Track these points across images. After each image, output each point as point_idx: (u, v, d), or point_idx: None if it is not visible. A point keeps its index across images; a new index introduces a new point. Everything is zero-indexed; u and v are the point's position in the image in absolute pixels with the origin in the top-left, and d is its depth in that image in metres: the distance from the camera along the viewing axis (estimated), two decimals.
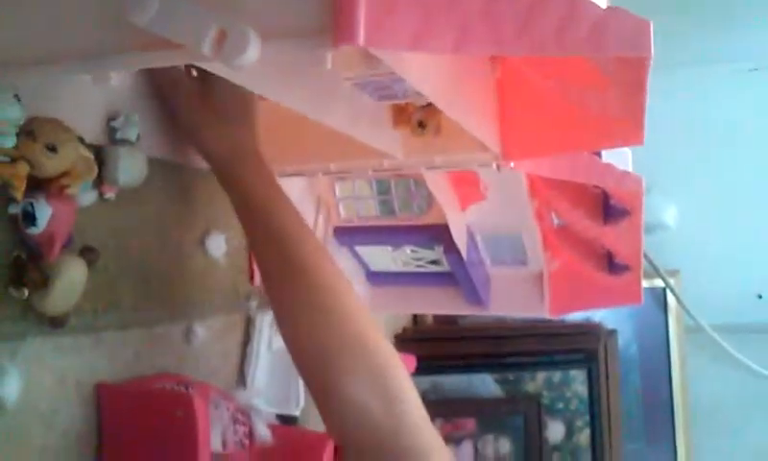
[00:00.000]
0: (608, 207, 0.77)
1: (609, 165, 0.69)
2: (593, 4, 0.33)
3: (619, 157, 0.76)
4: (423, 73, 0.45)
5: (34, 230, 0.44)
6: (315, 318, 0.55)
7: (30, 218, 0.44)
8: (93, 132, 0.51)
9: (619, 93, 0.43)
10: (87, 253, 0.49)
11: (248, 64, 0.32)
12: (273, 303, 0.59)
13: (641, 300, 0.89)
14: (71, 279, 0.47)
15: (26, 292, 0.45)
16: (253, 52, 0.32)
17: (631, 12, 0.32)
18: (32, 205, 0.44)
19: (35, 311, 0.47)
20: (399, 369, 0.57)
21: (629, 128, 0.49)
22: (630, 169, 0.75)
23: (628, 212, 0.75)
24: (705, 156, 1.42)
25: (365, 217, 0.91)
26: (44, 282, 0.46)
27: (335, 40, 0.31)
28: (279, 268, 0.57)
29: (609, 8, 0.32)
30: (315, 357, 0.55)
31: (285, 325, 0.58)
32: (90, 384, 0.54)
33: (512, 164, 0.66)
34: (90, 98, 0.49)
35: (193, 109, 0.59)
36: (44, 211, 0.44)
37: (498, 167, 0.67)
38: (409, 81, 0.42)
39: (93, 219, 0.53)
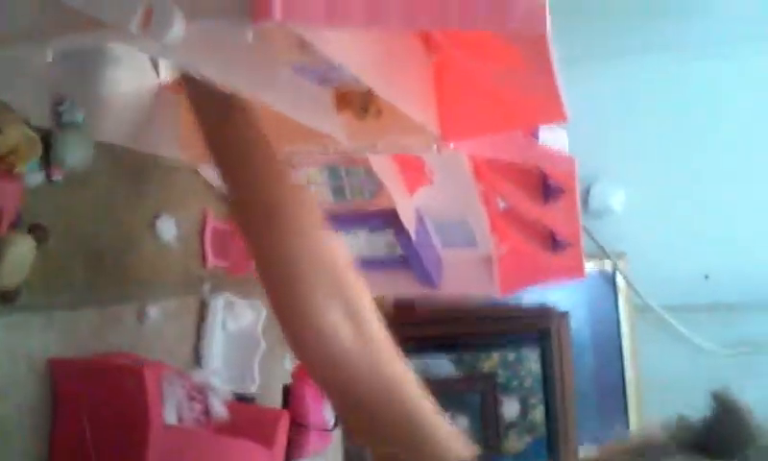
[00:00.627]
0: (546, 188, 0.81)
1: (544, 146, 0.73)
2: None
3: (555, 140, 0.79)
4: (355, 57, 0.48)
5: None
6: (280, 234, 0.55)
7: None
8: (40, 116, 0.53)
9: (532, 74, 0.46)
10: (36, 230, 0.51)
11: (173, 41, 0.35)
12: (243, 232, 0.58)
13: (584, 274, 0.93)
14: (19, 254, 0.49)
15: None
16: (179, 29, 0.35)
17: None
18: None
19: None
20: (363, 289, 0.57)
21: (549, 106, 0.53)
22: (565, 150, 0.79)
23: (563, 191, 0.79)
24: (652, 141, 1.47)
25: (318, 203, 0.93)
26: None
27: (253, 18, 0.33)
28: (248, 188, 0.57)
29: None
30: (282, 277, 0.55)
31: (255, 249, 0.57)
32: (43, 360, 0.56)
33: (451, 145, 0.69)
34: (36, 83, 0.51)
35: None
36: None
37: (438, 149, 0.70)
38: (340, 64, 0.44)
39: (42, 201, 0.55)
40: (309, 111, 0.62)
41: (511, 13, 0.35)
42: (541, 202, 0.83)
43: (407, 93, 0.60)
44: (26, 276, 0.51)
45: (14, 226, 0.50)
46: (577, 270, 0.91)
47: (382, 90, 0.54)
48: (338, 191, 0.92)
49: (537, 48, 0.40)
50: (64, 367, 0.57)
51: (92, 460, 0.54)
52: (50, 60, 0.37)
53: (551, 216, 0.85)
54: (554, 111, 0.54)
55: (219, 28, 0.35)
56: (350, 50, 0.47)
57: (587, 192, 1.47)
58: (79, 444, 0.55)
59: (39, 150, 0.49)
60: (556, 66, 0.44)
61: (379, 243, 0.99)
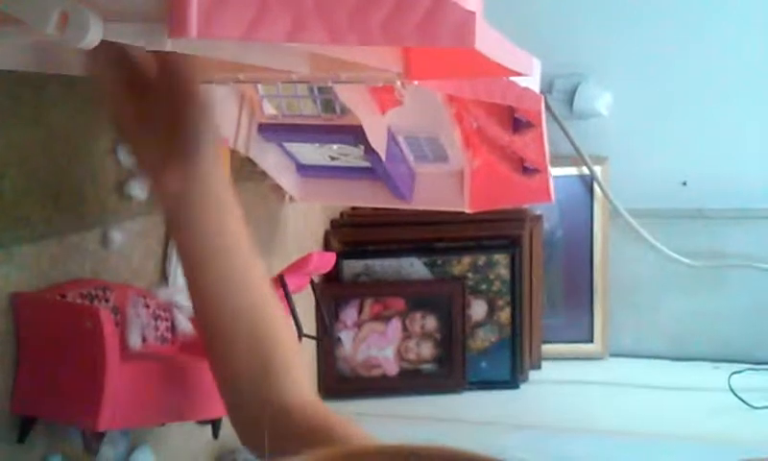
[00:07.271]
0: (515, 120, 0.80)
1: (510, 83, 0.71)
2: None
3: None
4: None
5: None
6: None
7: None
8: None
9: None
10: None
11: (90, 45, 0.34)
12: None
13: (551, 198, 0.94)
14: None
15: None
16: (96, 34, 0.34)
17: (459, 4, 0.34)
18: None
19: None
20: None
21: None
22: (536, 86, 0.77)
23: (532, 125, 0.78)
24: (643, 44, 1.43)
25: (289, 115, 0.92)
26: None
27: (169, 32, 0.32)
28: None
29: (436, 1, 0.34)
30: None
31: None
32: (5, 294, 0.58)
33: (416, 83, 0.68)
34: None
35: (121, 112, 0.55)
36: None
37: (403, 85, 0.68)
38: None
39: None
40: (262, 52, 0.60)
41: (440, 28, 0.34)
42: (510, 132, 0.82)
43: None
44: None
45: None
46: (545, 194, 0.92)
47: (331, 50, 0.52)
48: (309, 104, 0.91)
49: (471, 56, 0.39)
50: (27, 302, 0.59)
51: (55, 394, 0.58)
52: None
53: (520, 145, 0.85)
54: (519, 72, 0.53)
55: (134, 35, 0.34)
56: None
57: (573, 93, 1.44)
58: (43, 378, 0.58)
59: None
60: (500, 57, 0.43)
61: (353, 154, 0.99)
